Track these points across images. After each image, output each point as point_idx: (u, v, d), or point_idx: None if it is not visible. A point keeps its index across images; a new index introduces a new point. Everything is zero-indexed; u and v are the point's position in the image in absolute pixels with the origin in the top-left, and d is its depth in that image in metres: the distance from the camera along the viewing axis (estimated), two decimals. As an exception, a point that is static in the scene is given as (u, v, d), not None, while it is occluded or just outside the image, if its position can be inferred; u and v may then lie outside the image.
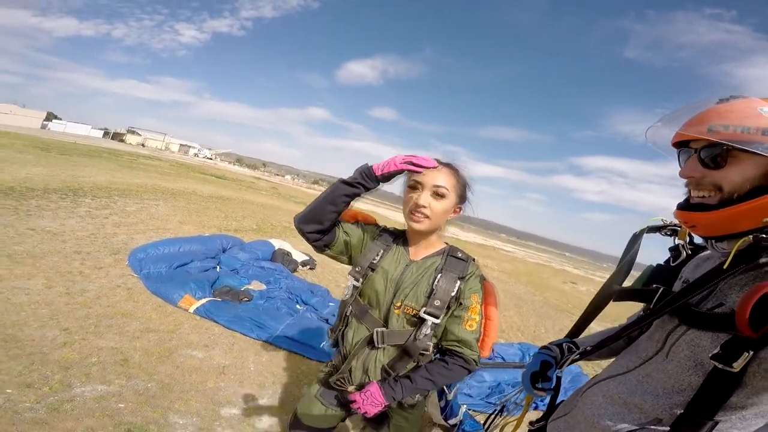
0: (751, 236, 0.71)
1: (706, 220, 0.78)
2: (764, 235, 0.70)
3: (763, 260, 0.71)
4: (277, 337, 3.42)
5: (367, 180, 1.20)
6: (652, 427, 0.77)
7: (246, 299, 4.02)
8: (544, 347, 1.16)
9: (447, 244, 1.37)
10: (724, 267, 0.73)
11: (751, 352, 0.66)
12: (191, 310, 3.59)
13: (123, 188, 9.25)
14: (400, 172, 1.19)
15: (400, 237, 1.38)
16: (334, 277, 6.17)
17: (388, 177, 1.20)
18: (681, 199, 0.86)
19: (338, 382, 1.31)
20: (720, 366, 0.68)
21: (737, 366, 0.66)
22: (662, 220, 1.12)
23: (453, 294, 1.21)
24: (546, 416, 1.14)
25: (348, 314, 1.35)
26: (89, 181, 9.06)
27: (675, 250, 1.04)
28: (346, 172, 1.25)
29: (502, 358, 4.09)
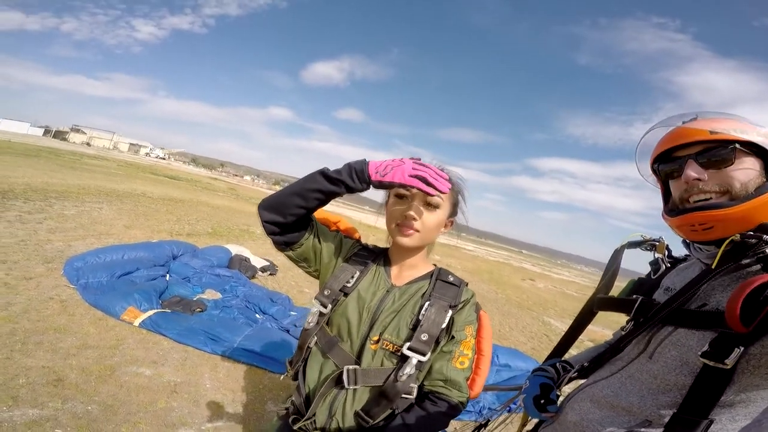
0: (738, 235, 0.74)
1: (727, 217, 0.76)
2: (750, 232, 0.73)
3: (745, 261, 0.74)
4: (235, 350, 3.21)
5: (355, 181, 0.96)
6: (642, 429, 0.77)
7: (199, 310, 3.76)
8: (538, 369, 1.15)
9: (435, 265, 1.18)
10: (713, 266, 0.76)
11: (742, 348, 0.66)
12: (136, 323, 3.30)
13: (61, 190, 8.49)
14: (403, 186, 0.94)
15: (381, 257, 1.17)
16: (297, 283, 5.94)
17: (385, 186, 0.96)
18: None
19: (300, 428, 1.10)
20: (711, 363, 0.69)
21: (730, 362, 0.67)
22: (641, 236, 1.14)
23: (443, 326, 1.02)
24: (537, 424, 1.15)
25: (311, 346, 1.12)
26: (22, 182, 8.24)
27: (655, 264, 1.08)
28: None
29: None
